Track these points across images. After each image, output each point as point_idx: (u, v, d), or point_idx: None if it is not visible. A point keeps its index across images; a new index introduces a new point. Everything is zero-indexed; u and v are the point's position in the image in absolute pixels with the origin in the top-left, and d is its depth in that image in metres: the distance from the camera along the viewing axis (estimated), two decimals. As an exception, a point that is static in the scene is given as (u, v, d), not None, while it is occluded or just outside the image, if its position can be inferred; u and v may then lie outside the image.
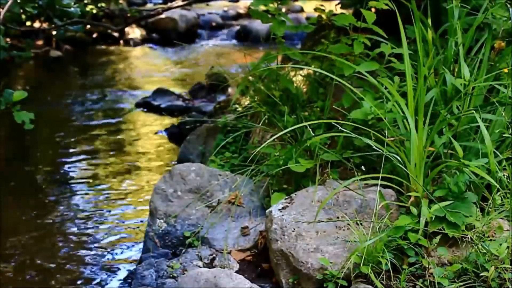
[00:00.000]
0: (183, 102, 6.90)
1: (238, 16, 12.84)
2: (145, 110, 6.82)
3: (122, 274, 3.42)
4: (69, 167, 5.09)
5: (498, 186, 2.58)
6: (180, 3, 8.07)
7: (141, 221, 4.06)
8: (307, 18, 5.53)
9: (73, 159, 5.29)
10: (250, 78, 3.95)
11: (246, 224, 3.16)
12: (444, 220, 2.52)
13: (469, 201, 2.59)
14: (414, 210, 2.58)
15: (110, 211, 4.26)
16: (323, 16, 4.20)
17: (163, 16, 10.61)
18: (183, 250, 3.09)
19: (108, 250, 3.72)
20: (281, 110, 3.58)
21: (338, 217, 2.72)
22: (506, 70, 3.03)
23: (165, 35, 10.93)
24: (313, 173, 3.09)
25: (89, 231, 3.97)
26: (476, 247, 2.47)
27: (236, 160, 3.67)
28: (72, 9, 5.91)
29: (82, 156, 5.37)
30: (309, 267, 2.55)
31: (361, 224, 2.66)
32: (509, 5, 3.27)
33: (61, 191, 4.60)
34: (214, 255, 3.00)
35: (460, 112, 2.84)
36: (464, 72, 2.92)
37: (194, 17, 11.73)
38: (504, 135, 2.83)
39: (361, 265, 2.43)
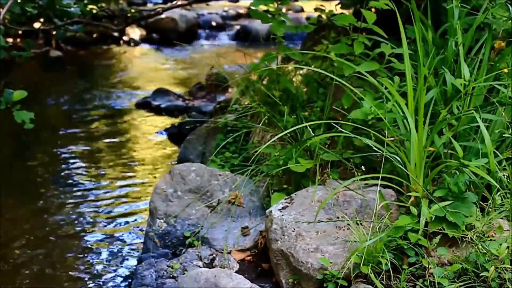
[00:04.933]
0: (183, 102, 6.90)
1: (238, 16, 12.85)
2: (145, 110, 6.82)
3: (122, 274, 3.42)
4: (69, 167, 5.09)
5: (498, 186, 2.58)
6: (180, 3, 8.07)
7: (141, 221, 4.06)
8: (307, 18, 5.53)
9: (73, 159, 5.29)
10: (250, 78, 3.95)
11: (246, 224, 3.16)
12: (444, 220, 2.52)
13: (469, 201, 2.59)
14: (414, 210, 2.58)
15: (109, 211, 4.26)
16: (323, 16, 4.21)
17: (163, 16, 10.62)
18: (183, 250, 3.09)
19: (108, 249, 3.72)
20: (281, 110, 3.58)
21: (338, 217, 2.72)
22: (506, 70, 3.03)
23: (165, 35, 10.93)
24: (313, 173, 3.09)
25: (88, 231, 3.97)
26: (476, 247, 2.47)
27: (236, 160, 3.67)
28: (72, 9, 5.90)
29: (81, 156, 5.37)
30: (309, 267, 2.55)
31: (361, 224, 2.67)
32: (509, 5, 3.27)
33: (60, 191, 4.60)
34: (214, 255, 3.00)
35: (460, 112, 2.84)
36: (464, 72, 2.92)
37: (194, 17, 11.73)
38: (504, 135, 2.83)
39: (361, 265, 2.43)
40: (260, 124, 3.65)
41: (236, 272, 2.82)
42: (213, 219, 3.18)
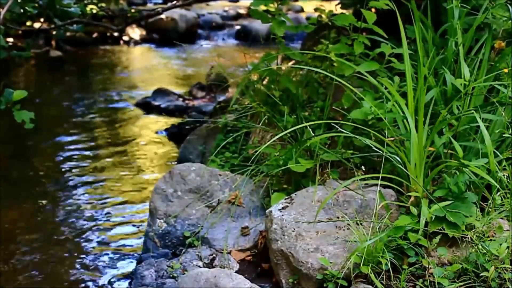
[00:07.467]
0: (183, 102, 6.90)
1: (238, 16, 12.85)
2: (145, 110, 6.82)
3: (122, 274, 3.42)
4: (68, 167, 5.09)
5: (498, 186, 2.58)
6: (180, 3, 8.07)
7: (141, 221, 4.06)
8: (307, 18, 5.53)
9: (73, 159, 5.29)
10: (250, 78, 3.95)
11: (246, 224, 3.16)
12: (444, 220, 2.52)
13: (469, 201, 2.59)
14: (414, 210, 2.58)
15: (109, 211, 4.26)
16: (323, 16, 4.20)
17: (163, 16, 10.62)
18: (183, 250, 3.09)
19: (108, 250, 3.72)
20: (281, 110, 3.58)
21: (338, 217, 2.72)
22: (506, 70, 3.03)
23: (165, 35, 10.93)
24: (313, 173, 3.09)
25: (88, 231, 3.96)
26: (476, 247, 2.47)
27: (236, 160, 3.67)
28: (72, 9, 5.90)
29: (81, 156, 5.36)
30: (309, 267, 2.55)
31: (361, 224, 2.67)
32: (509, 5, 3.27)
33: (60, 191, 4.60)
34: (214, 255, 3.00)
35: (460, 112, 2.84)
36: (464, 72, 2.92)
37: (194, 17, 11.73)
38: (504, 135, 2.84)
39: (361, 265, 2.43)
40: (260, 124, 3.65)
41: (236, 272, 2.82)
42: (213, 219, 3.18)
